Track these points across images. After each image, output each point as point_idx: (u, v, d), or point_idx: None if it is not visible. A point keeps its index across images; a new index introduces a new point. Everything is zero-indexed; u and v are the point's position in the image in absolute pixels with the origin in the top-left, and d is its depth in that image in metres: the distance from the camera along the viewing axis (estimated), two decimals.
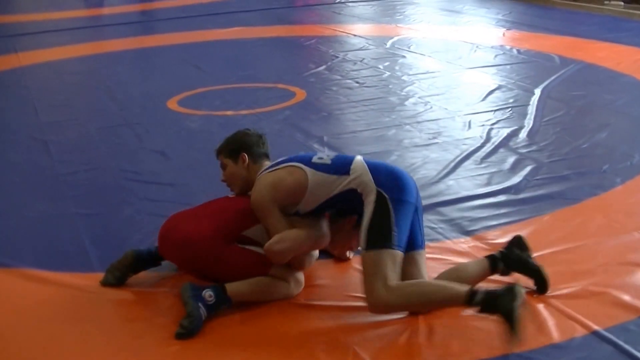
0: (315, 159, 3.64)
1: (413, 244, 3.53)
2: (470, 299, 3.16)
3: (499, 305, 3.08)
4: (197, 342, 3.30)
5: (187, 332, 3.33)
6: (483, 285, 3.40)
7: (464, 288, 3.21)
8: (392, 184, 3.47)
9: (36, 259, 4.15)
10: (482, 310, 3.15)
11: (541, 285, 3.53)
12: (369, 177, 3.50)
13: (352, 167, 3.56)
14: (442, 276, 3.55)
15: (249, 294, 3.56)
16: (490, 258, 3.60)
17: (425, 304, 3.35)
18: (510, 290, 3.10)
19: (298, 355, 3.20)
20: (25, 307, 3.68)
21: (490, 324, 3.25)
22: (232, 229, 3.65)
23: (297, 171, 3.59)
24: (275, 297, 3.54)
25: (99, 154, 5.91)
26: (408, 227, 3.46)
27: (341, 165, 3.58)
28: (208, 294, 3.44)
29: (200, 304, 3.39)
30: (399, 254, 3.37)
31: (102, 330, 3.45)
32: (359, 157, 3.65)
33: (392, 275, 3.30)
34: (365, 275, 3.34)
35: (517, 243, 3.63)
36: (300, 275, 3.69)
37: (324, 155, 3.71)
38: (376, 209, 3.41)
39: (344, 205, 3.58)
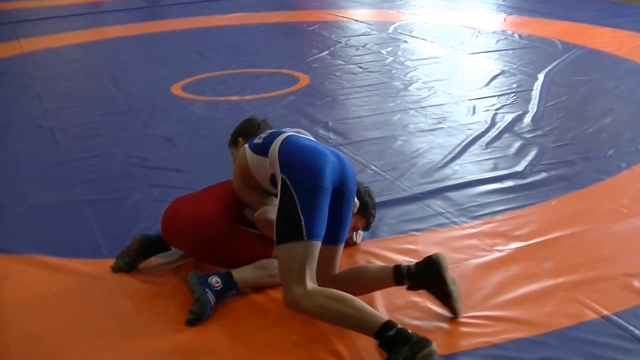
0: (256, 139, 3.54)
1: (328, 236, 3.25)
2: (379, 333, 2.92)
3: (398, 352, 2.86)
4: (209, 328, 3.32)
5: (197, 317, 3.34)
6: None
7: (380, 320, 2.95)
8: (298, 167, 3.21)
9: (45, 245, 4.15)
10: (382, 347, 2.94)
11: (451, 309, 3.27)
12: (277, 161, 3.29)
13: (270, 150, 3.37)
14: (343, 274, 3.39)
15: (255, 278, 3.56)
16: (396, 270, 3.31)
17: (335, 323, 3.07)
18: (420, 342, 2.87)
19: (309, 339, 3.21)
20: (36, 294, 3.68)
21: (505, 312, 3.31)
22: (234, 210, 3.69)
23: (244, 152, 3.57)
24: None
25: (105, 140, 5.91)
26: (323, 212, 3.16)
27: (265, 146, 3.41)
28: (214, 280, 3.44)
29: (207, 290, 3.39)
30: (311, 244, 3.10)
31: (114, 316, 3.46)
32: (280, 138, 3.40)
33: (308, 272, 3.08)
34: (280, 270, 3.15)
35: (430, 264, 3.27)
36: None
37: (264, 134, 3.54)
38: (281, 198, 3.17)
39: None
